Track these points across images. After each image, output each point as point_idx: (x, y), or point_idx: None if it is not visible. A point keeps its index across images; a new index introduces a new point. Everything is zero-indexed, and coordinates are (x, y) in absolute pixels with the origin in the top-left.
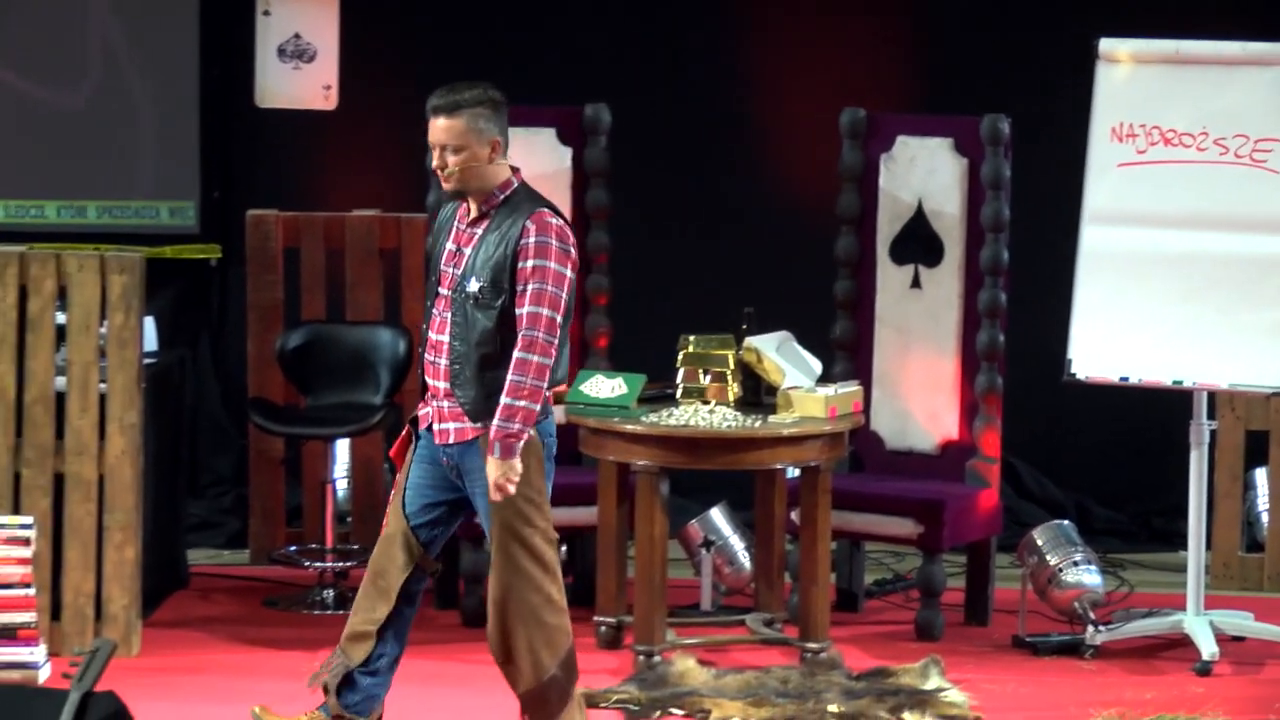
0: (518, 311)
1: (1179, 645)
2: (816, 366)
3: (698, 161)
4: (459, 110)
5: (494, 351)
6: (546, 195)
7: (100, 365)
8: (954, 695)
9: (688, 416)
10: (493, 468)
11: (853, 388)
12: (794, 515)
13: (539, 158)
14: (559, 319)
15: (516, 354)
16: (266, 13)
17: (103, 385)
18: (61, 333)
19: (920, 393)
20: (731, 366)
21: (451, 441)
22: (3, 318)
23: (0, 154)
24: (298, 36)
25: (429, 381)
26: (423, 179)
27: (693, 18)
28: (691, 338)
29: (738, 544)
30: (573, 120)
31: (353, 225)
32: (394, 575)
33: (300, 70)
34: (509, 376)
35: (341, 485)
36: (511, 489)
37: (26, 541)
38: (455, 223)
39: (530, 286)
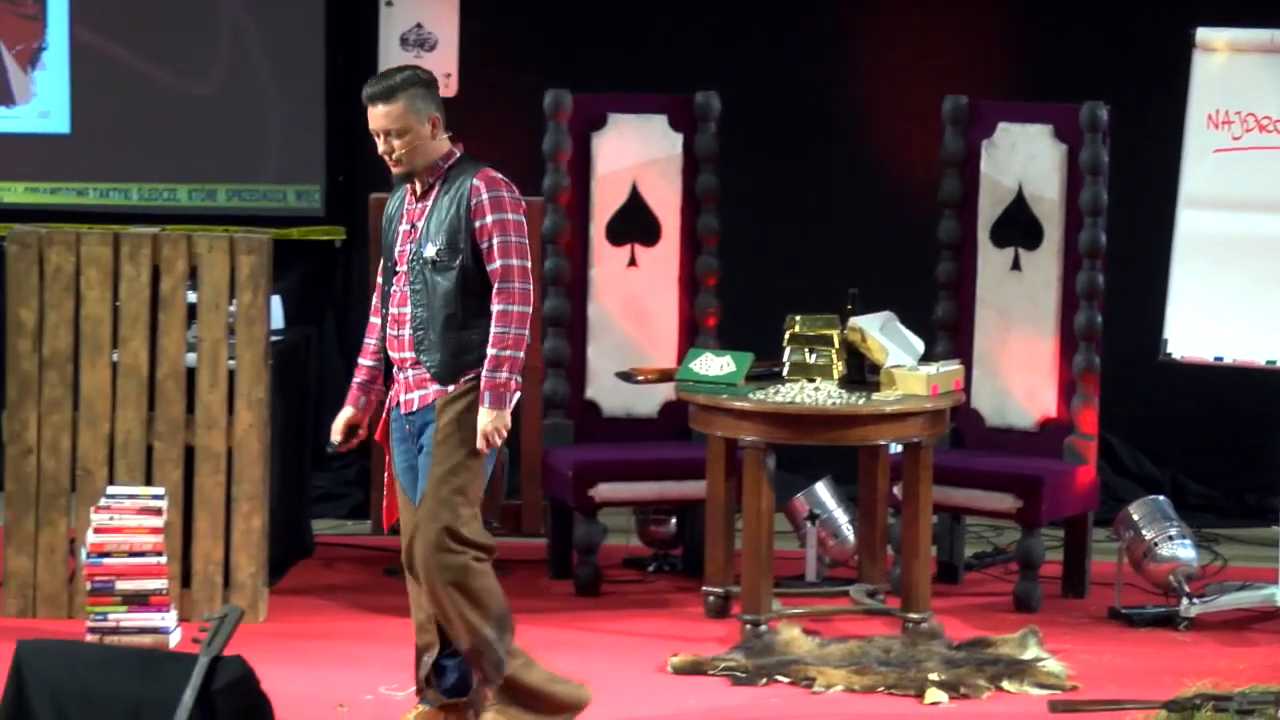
0: (488, 266)
1: (1271, 618)
2: (919, 346)
3: (804, 147)
4: (395, 95)
5: (456, 312)
6: (657, 180)
7: (229, 342)
8: (1052, 665)
9: (794, 394)
10: (483, 417)
11: (954, 366)
12: (896, 490)
13: (651, 144)
14: (529, 265)
15: (496, 307)
16: (389, 3)
17: (231, 361)
18: (192, 311)
19: (1020, 372)
20: (836, 345)
21: (415, 409)
22: (136, 296)
23: (134, 139)
24: (419, 26)
25: (394, 355)
26: (538, 164)
27: (801, 6)
28: (798, 318)
29: (841, 517)
30: (683, 107)
31: None
32: None
33: (421, 58)
34: (492, 329)
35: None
36: (498, 441)
37: (158, 511)
38: (404, 206)
39: (495, 241)
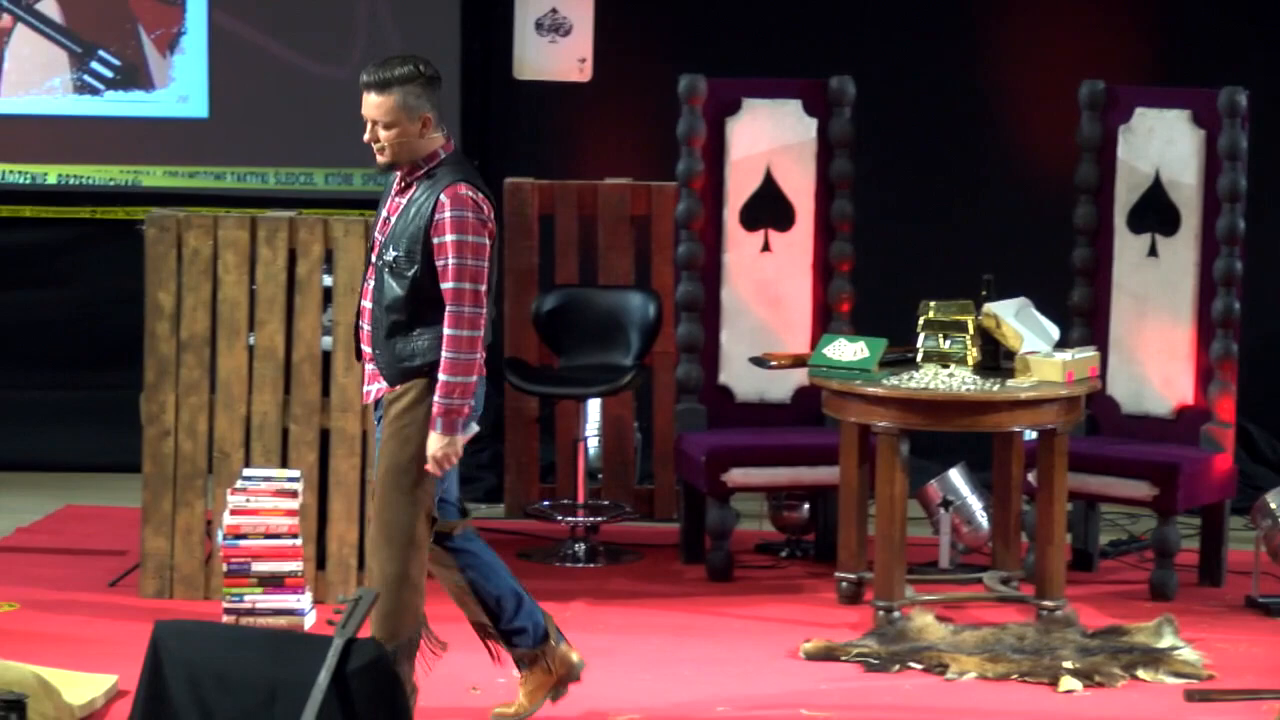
0: (443, 286)
1: None
2: (1054, 332)
3: (938, 132)
4: (390, 87)
5: (402, 320)
6: (791, 165)
7: None
8: (1187, 654)
9: (928, 380)
10: (434, 442)
11: (1089, 353)
12: (1031, 477)
13: (785, 129)
14: (482, 289)
15: (447, 331)
16: None
17: None
18: (328, 294)
19: (1156, 358)
20: (971, 331)
21: (371, 400)
22: (273, 280)
23: (271, 123)
24: (554, 11)
25: (361, 347)
26: (672, 149)
27: None
28: (932, 303)
29: (975, 504)
30: (818, 92)
31: (605, 193)
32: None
33: (556, 44)
34: (443, 354)
35: (593, 443)
36: (449, 466)
37: (294, 494)
38: (390, 195)
39: (450, 262)
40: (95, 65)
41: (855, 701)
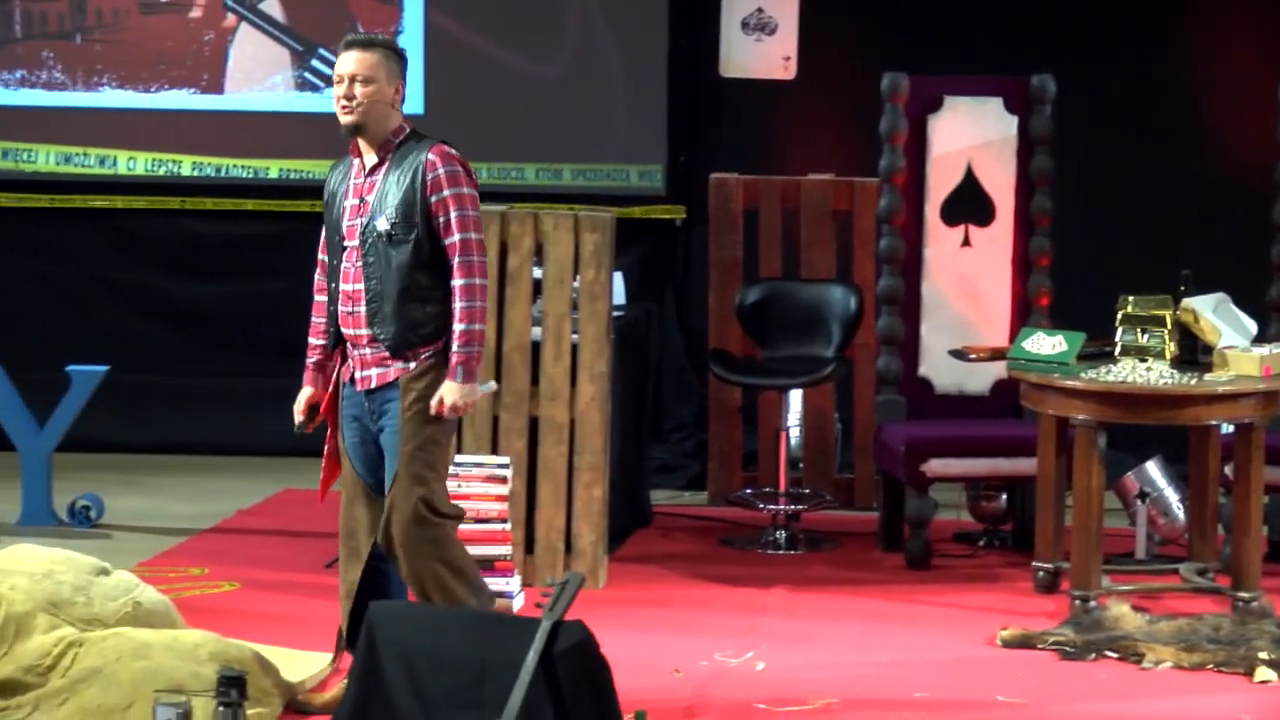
0: (445, 240)
1: None
2: (1252, 327)
3: (1137, 128)
4: (374, 46)
5: (411, 285)
6: (992, 162)
7: (573, 317)
8: None
9: (1125, 373)
10: (452, 391)
11: None
12: (1227, 470)
13: (986, 126)
14: (483, 239)
15: (459, 281)
16: None
17: (575, 336)
18: (538, 286)
19: None
20: (1169, 326)
21: (374, 386)
22: None
23: (485, 120)
24: (760, 10)
25: (347, 333)
26: (874, 145)
27: None
28: (1130, 298)
29: (1172, 496)
30: (1019, 90)
31: (808, 188)
32: (362, 536)
33: (762, 42)
34: (458, 304)
35: (794, 433)
36: (465, 414)
37: (504, 480)
38: (350, 180)
39: (452, 215)
40: (315, 63)
41: (1051, 689)
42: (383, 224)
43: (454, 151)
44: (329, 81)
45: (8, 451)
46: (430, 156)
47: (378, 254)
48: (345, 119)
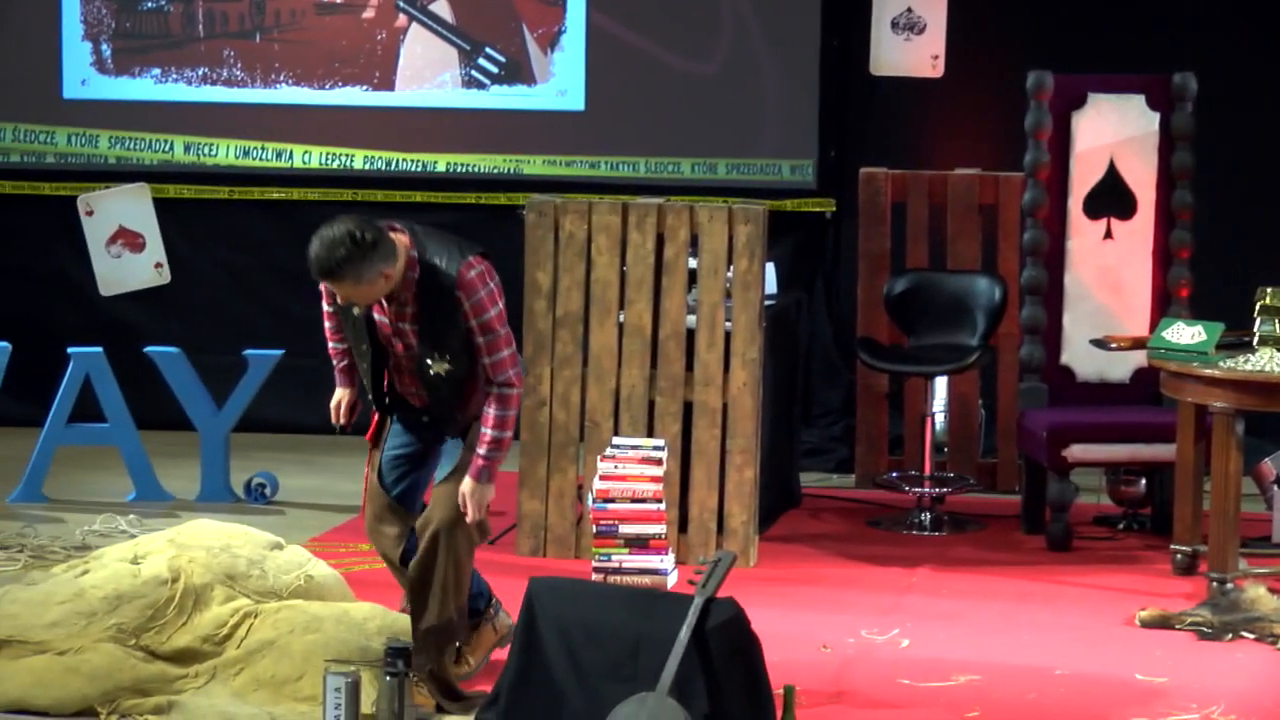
0: (484, 361)
1: None
2: None
3: (1277, 123)
4: (343, 267)
5: (470, 393)
6: (1134, 157)
7: (726, 305)
8: None
9: (1263, 363)
10: (475, 492)
11: None
12: None
13: (1128, 122)
14: (512, 345)
15: (493, 409)
16: None
17: (728, 323)
18: (693, 276)
19: None
20: None
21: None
22: (642, 262)
23: (643, 116)
24: (909, 10)
25: (408, 400)
26: (1019, 141)
27: None
28: (1269, 289)
29: None
30: (1161, 87)
31: (955, 183)
32: (394, 552)
33: (911, 41)
34: (492, 413)
35: (939, 418)
36: (478, 515)
37: (659, 462)
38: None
39: (483, 340)
40: (482, 61)
41: (1188, 669)
42: (440, 367)
43: (473, 274)
44: (495, 79)
45: (188, 431)
46: (456, 294)
47: (440, 384)
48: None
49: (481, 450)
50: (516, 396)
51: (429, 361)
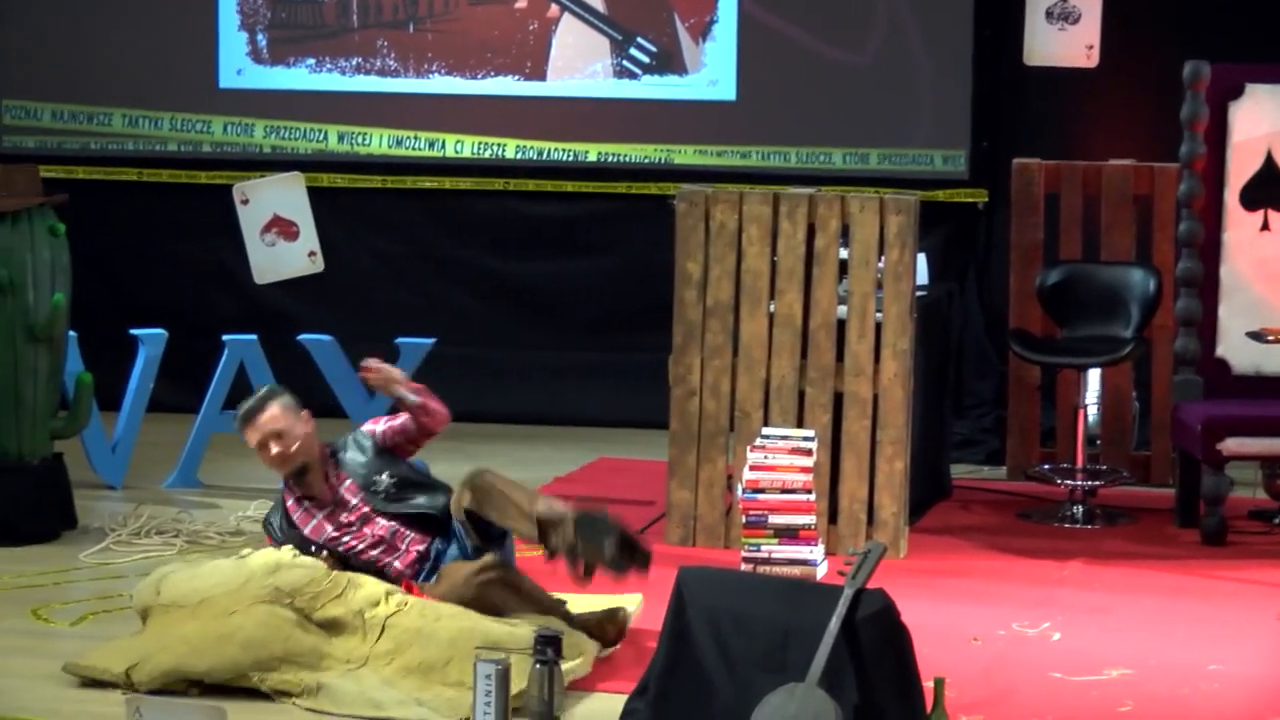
0: (401, 419)
1: None
2: None
3: None
4: (265, 404)
5: (424, 503)
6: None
7: (877, 296)
8: None
9: None
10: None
11: None
12: None
13: None
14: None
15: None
16: None
17: (879, 314)
18: (843, 266)
19: None
20: None
21: (423, 580)
22: (793, 252)
23: (794, 106)
24: (1064, 0)
25: (384, 574)
26: (1175, 131)
27: None
28: None
29: None
30: None
31: (1109, 173)
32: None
33: (1065, 31)
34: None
35: (1092, 411)
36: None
37: (809, 452)
38: (311, 513)
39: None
40: (634, 51)
41: None
42: (382, 489)
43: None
44: (646, 69)
45: (340, 419)
46: (362, 438)
47: (391, 513)
48: (287, 470)
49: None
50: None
51: (376, 491)
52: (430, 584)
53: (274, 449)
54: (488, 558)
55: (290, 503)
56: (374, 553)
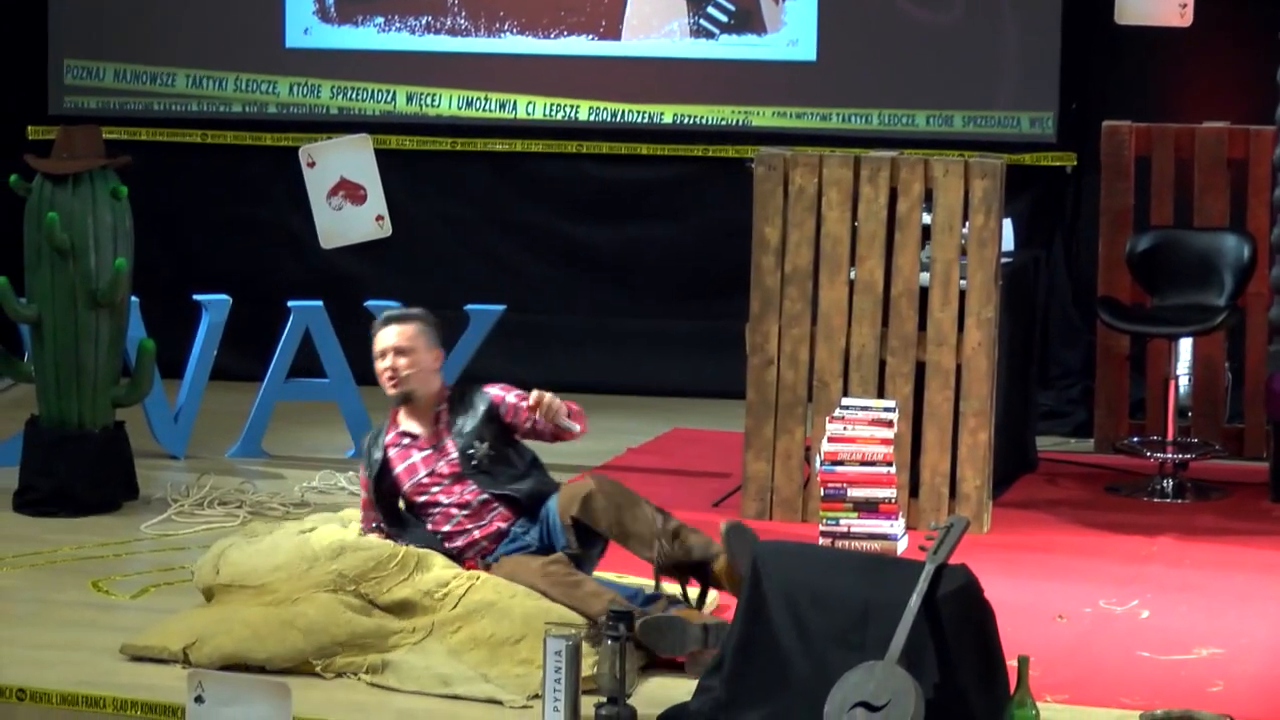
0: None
1: None
2: None
3: None
4: (409, 320)
5: (522, 474)
6: None
7: (961, 263)
8: None
9: None
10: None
11: None
12: None
13: None
14: None
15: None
16: None
17: (963, 281)
18: (926, 232)
19: None
20: None
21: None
22: (874, 217)
23: (876, 67)
24: None
25: (461, 549)
26: (1271, 93)
27: None
28: None
29: None
30: None
31: (1202, 136)
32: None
33: None
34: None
35: (1184, 381)
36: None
37: (889, 424)
38: (408, 452)
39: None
40: (711, 10)
41: None
42: (476, 454)
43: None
44: (724, 28)
45: None
46: (491, 397)
47: (481, 476)
48: (392, 391)
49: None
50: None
51: (469, 455)
52: (496, 564)
53: (389, 362)
54: (556, 554)
55: (391, 437)
56: (457, 513)
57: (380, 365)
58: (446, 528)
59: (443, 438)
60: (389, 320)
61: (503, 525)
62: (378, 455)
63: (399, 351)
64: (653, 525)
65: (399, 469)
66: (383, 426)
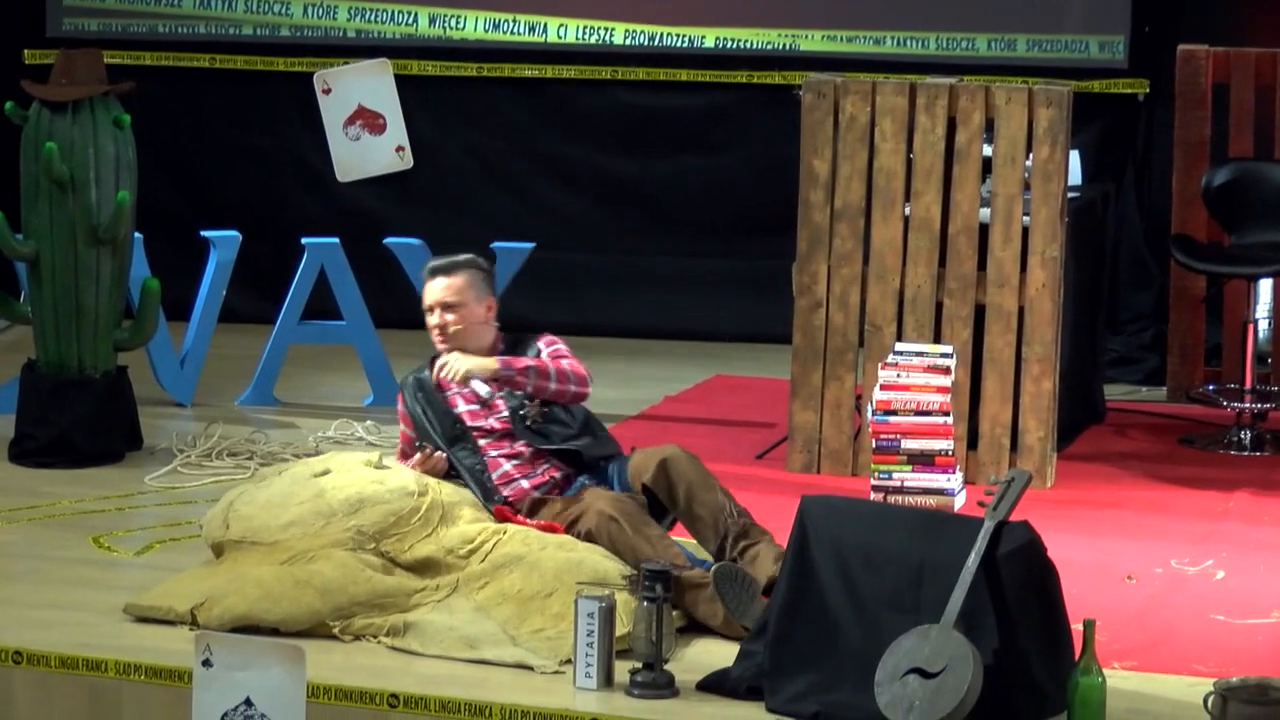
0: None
1: None
2: None
3: None
4: (456, 270)
5: (575, 433)
6: None
7: (1024, 198)
8: None
9: None
10: (469, 358)
11: None
12: None
13: None
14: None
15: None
16: None
17: (1026, 218)
18: (987, 165)
19: None
20: None
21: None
22: (931, 149)
23: None
24: None
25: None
26: None
27: None
28: None
29: None
30: None
31: None
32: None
33: None
34: (564, 363)
35: (1263, 325)
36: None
37: (946, 370)
38: (453, 396)
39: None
40: None
41: None
42: (523, 406)
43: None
44: None
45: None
46: (540, 344)
47: (534, 430)
48: (443, 347)
49: (524, 362)
50: (579, 391)
51: (518, 405)
52: (569, 496)
53: (438, 317)
54: (631, 494)
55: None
56: (506, 465)
57: (429, 320)
58: (494, 474)
59: (493, 393)
60: (435, 272)
61: (557, 475)
62: (421, 396)
63: (446, 307)
64: (721, 514)
65: (449, 393)
66: (427, 363)
